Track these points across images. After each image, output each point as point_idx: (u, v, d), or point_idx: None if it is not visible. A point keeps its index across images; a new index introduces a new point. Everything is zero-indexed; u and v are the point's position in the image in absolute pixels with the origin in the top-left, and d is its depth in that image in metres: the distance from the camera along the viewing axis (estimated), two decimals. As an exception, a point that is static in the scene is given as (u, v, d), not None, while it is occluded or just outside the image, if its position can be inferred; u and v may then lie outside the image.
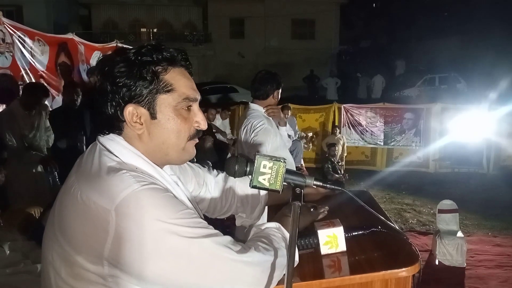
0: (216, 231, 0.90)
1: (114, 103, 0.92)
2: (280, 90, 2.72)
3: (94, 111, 0.98)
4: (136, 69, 0.92)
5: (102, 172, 0.88)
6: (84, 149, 1.04)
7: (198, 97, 1.01)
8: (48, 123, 4.06)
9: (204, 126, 1.01)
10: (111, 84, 0.92)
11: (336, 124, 8.84)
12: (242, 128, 2.60)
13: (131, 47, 1.00)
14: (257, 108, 2.66)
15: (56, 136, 4.12)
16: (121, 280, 0.83)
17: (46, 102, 4.15)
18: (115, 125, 0.95)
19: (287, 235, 1.03)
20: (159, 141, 0.96)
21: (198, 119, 1.00)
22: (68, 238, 0.86)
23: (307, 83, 18.89)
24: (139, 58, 0.93)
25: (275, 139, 2.54)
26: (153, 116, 0.94)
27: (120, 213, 0.81)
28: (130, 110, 0.92)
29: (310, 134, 8.24)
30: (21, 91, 4.27)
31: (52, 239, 0.90)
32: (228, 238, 0.91)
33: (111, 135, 0.96)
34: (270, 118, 2.73)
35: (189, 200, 1.06)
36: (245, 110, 2.85)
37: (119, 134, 0.96)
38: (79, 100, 4.17)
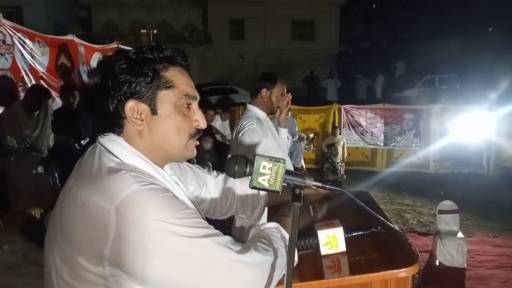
0: (217, 231, 0.90)
1: (115, 100, 0.93)
2: (276, 92, 2.61)
3: (94, 111, 0.98)
4: (137, 66, 0.93)
5: (102, 173, 0.88)
6: (84, 150, 1.05)
7: (198, 96, 1.02)
8: (49, 123, 4.06)
9: (203, 125, 1.01)
10: (112, 81, 0.93)
11: (336, 125, 8.84)
12: (234, 128, 2.61)
13: (131, 48, 1.01)
14: (251, 109, 2.65)
15: (56, 137, 4.12)
16: (122, 280, 0.83)
17: (50, 107, 4.15)
18: (116, 123, 0.96)
19: (286, 235, 1.04)
20: (159, 137, 0.96)
21: (198, 117, 1.00)
22: (69, 239, 0.86)
23: (307, 84, 18.90)
24: (140, 56, 0.94)
25: (265, 140, 2.50)
26: (153, 112, 0.95)
27: (120, 214, 0.81)
28: (131, 106, 0.93)
29: (312, 135, 8.24)
30: (22, 93, 4.28)
31: (53, 241, 0.91)
32: (228, 238, 0.91)
33: (111, 136, 0.96)
34: (268, 119, 2.71)
35: (190, 200, 1.07)
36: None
37: (120, 132, 0.96)
38: (76, 103, 4.18)
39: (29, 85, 4.47)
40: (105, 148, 0.94)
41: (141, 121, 0.95)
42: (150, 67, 0.94)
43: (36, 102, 3.82)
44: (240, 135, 2.49)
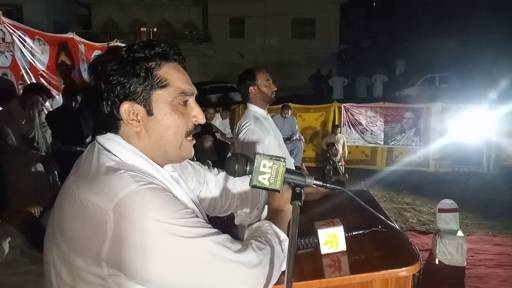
0: (215, 230, 0.89)
1: (109, 102, 0.92)
2: (261, 82, 2.56)
3: (93, 110, 0.97)
4: (129, 66, 0.91)
5: (100, 172, 0.87)
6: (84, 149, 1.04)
7: (195, 91, 0.99)
8: (43, 119, 4.03)
9: (202, 120, 1.00)
10: (105, 83, 0.91)
11: (336, 123, 8.84)
12: (234, 129, 2.63)
13: (123, 45, 0.99)
14: (250, 108, 2.65)
15: (56, 136, 4.11)
16: (121, 280, 0.82)
17: (40, 99, 4.11)
18: (112, 124, 0.94)
19: (278, 230, 1.03)
20: (157, 138, 0.95)
21: (196, 113, 0.98)
22: (67, 239, 0.86)
23: (313, 82, 18.89)
24: (131, 55, 0.92)
25: (267, 138, 2.51)
26: (149, 112, 0.93)
27: (118, 214, 0.80)
28: (126, 108, 0.92)
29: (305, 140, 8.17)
30: (21, 91, 4.27)
31: (52, 241, 0.90)
32: (226, 236, 0.90)
33: (109, 135, 0.95)
34: (268, 116, 2.71)
35: (190, 199, 1.06)
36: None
37: (116, 132, 0.95)
38: (77, 105, 4.17)
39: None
40: (103, 147, 0.93)
41: (138, 122, 0.93)
42: (143, 66, 0.91)
43: (31, 99, 3.79)
44: (239, 136, 2.51)
